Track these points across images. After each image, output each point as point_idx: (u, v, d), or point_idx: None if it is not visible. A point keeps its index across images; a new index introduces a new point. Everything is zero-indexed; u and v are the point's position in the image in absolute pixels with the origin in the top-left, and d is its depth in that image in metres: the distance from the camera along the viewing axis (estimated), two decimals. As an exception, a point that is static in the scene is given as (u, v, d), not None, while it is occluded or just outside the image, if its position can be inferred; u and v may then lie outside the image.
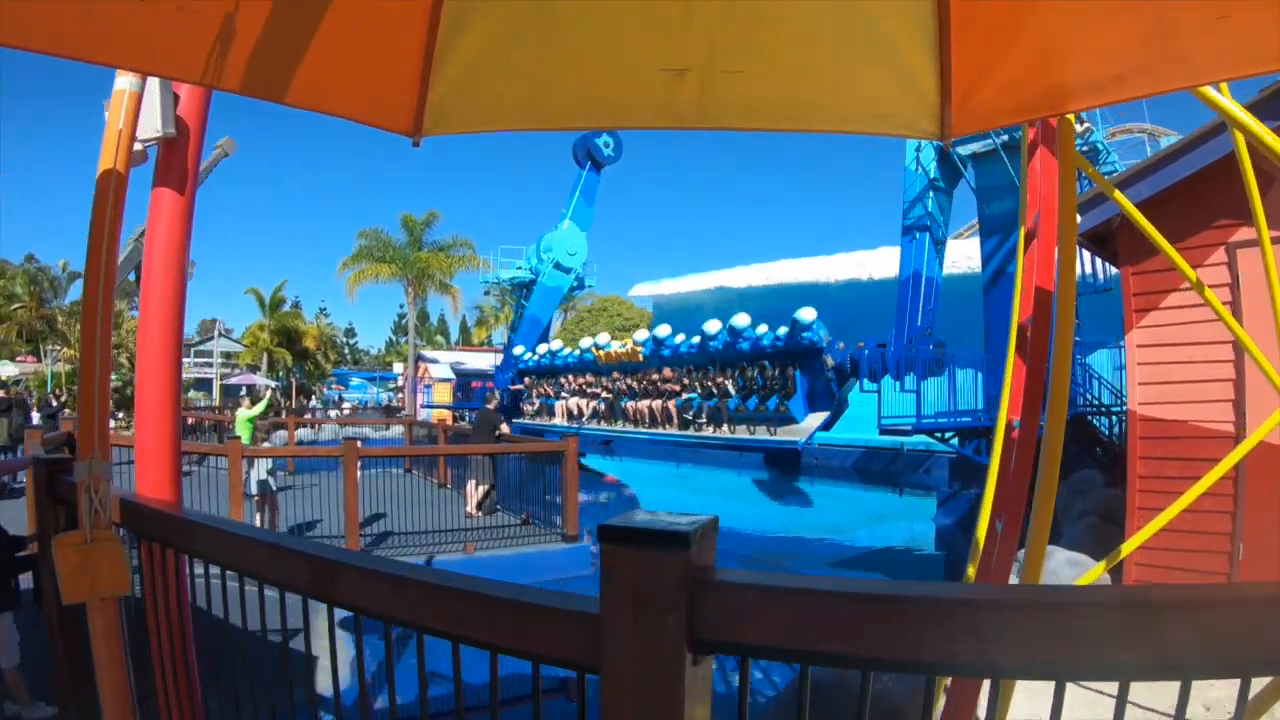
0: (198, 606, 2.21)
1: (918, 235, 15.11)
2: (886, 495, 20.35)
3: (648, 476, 27.30)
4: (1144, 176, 5.80)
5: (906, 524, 15.94)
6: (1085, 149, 13.26)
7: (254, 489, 9.57)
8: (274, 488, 9.67)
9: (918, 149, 14.75)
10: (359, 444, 10.66)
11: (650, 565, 1.01)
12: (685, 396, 15.56)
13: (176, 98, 3.51)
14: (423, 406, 35.12)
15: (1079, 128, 12.83)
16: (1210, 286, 5.50)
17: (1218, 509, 5.46)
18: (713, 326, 14.92)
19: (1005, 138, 12.91)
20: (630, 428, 17.50)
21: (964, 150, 13.73)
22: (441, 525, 9.96)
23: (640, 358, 17.10)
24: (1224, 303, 5.45)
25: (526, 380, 21.99)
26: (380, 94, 2.09)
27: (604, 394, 18.38)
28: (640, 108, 2.17)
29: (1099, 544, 6.33)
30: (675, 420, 15.85)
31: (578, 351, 19.60)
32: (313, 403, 47.05)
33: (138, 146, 3.50)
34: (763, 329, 13.87)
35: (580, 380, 19.34)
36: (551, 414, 20.25)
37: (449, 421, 24.45)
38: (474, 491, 11.22)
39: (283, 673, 1.91)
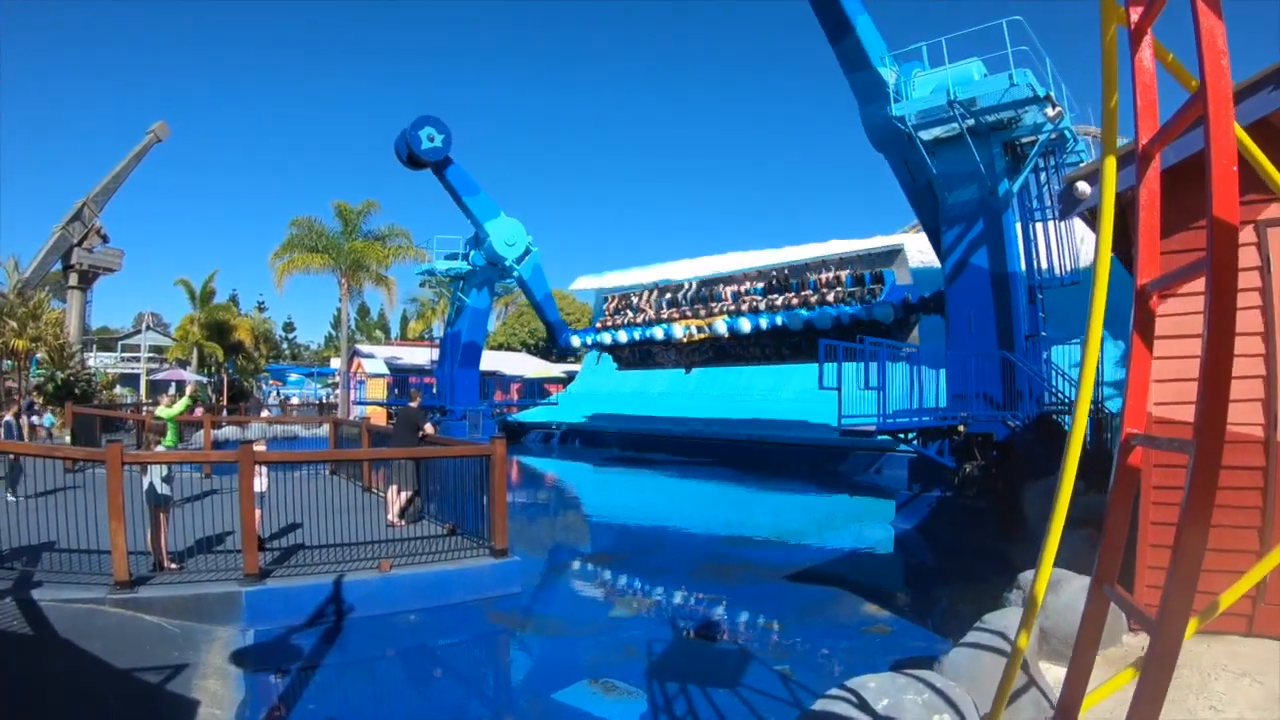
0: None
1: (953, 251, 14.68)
2: (838, 497, 19.79)
3: (585, 475, 26.41)
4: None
5: (859, 528, 15.29)
6: (1054, 136, 12.71)
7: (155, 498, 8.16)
8: (160, 495, 8.16)
9: (906, 161, 13.74)
10: (262, 446, 9.49)
11: None
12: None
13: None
14: (355, 404, 33.51)
15: (1050, 112, 12.29)
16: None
17: (1242, 524, 4.78)
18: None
19: (972, 121, 12.26)
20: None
21: (926, 136, 13.00)
22: (359, 537, 8.85)
23: (727, 332, 22.81)
24: (1253, 288, 4.77)
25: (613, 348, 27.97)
26: None
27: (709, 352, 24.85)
28: None
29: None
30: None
31: (654, 331, 25.04)
32: (270, 399, 45.09)
33: None
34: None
35: (675, 346, 25.22)
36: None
37: (372, 421, 23.55)
38: (396, 498, 10.15)
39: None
